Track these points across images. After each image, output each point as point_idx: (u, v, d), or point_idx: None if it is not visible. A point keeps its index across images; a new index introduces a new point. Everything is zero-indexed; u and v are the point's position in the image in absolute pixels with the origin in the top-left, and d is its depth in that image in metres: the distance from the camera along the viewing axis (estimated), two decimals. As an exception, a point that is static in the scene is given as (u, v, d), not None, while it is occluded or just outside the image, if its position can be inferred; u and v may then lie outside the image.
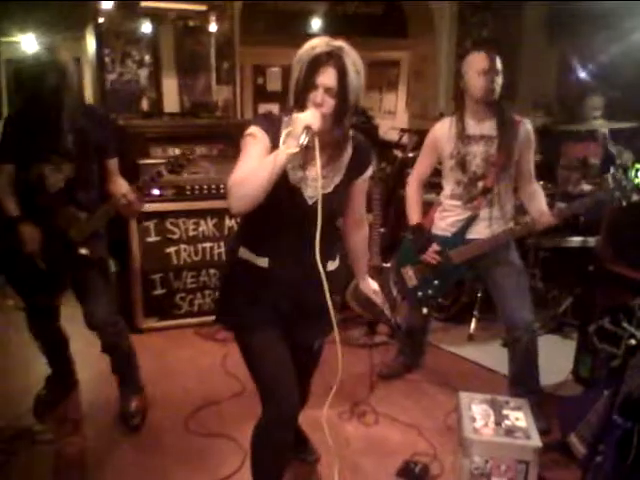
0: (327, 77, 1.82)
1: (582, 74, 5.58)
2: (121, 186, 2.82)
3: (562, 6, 5.84)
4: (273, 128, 1.92)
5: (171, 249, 4.09)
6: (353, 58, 1.85)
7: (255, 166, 1.82)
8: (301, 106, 1.85)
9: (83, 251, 2.75)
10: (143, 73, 5.01)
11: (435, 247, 3.07)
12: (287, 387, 2.01)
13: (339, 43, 1.85)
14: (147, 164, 3.98)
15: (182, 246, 4.11)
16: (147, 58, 5.04)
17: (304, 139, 1.76)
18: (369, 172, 2.10)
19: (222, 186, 4.13)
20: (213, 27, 5.04)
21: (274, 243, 1.99)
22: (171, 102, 5.07)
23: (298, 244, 1.95)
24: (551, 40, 6.19)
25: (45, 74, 2.55)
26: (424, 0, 6.06)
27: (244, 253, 2.04)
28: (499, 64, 2.83)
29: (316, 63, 1.82)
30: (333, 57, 1.82)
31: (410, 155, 4.91)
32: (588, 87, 5.13)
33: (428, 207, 3.26)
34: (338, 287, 2.24)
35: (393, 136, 6.25)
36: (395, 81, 8.36)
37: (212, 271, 4.20)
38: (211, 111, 5.09)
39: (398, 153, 5.55)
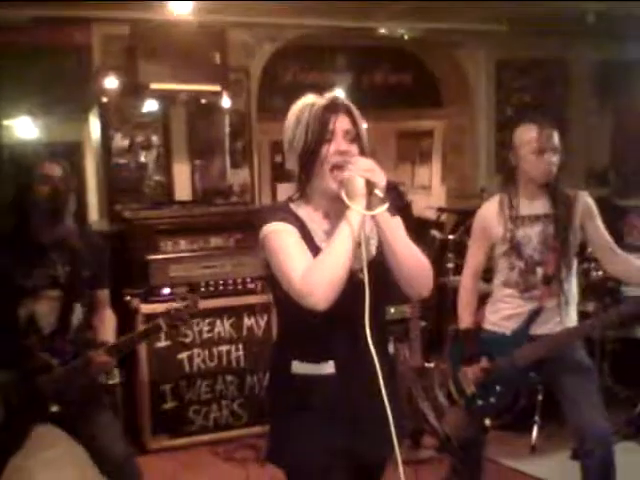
0: (342, 121, 1.86)
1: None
2: (107, 324, 2.78)
3: (611, 59, 5.91)
4: (290, 218, 1.90)
5: (183, 354, 4.08)
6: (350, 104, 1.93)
7: (326, 248, 1.79)
8: (310, 174, 1.88)
9: (54, 408, 2.61)
10: (152, 158, 5.12)
11: (484, 363, 2.99)
12: None
13: (332, 94, 1.92)
14: (156, 260, 4.05)
15: (196, 351, 4.11)
16: (156, 141, 5.15)
17: (380, 193, 1.76)
18: (398, 219, 1.95)
19: (240, 281, 4.17)
20: (227, 103, 5.15)
21: (334, 340, 1.90)
22: (182, 189, 5.14)
23: (358, 333, 1.80)
24: (602, 101, 6.27)
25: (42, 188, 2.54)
26: (457, 64, 6.20)
27: (300, 367, 1.92)
28: (557, 139, 2.83)
29: (325, 114, 1.85)
30: (337, 104, 1.88)
31: (450, 237, 4.88)
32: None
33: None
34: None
35: (430, 215, 6.27)
36: (428, 153, 8.45)
37: (229, 378, 4.18)
38: (226, 197, 5.17)
39: (436, 234, 5.51)
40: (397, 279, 1.88)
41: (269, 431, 2.05)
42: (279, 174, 7.55)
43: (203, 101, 5.05)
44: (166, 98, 4.98)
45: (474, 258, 3.11)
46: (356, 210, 1.75)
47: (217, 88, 4.80)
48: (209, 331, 4.12)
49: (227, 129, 5.27)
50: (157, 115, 5.12)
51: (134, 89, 4.71)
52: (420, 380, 3.98)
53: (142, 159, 5.08)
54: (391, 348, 2.13)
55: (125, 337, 2.74)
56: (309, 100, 1.90)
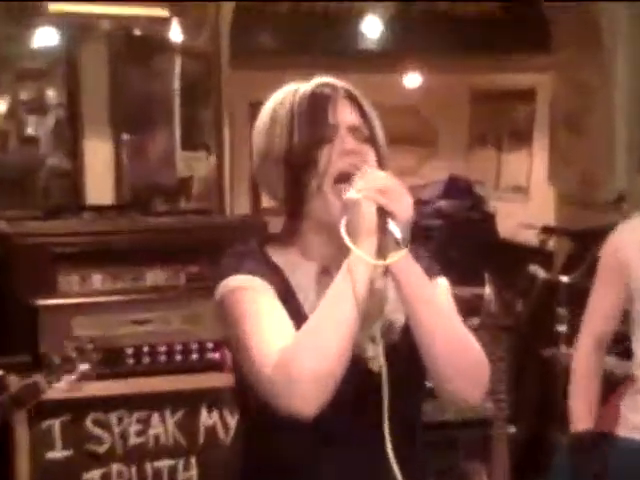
0: (345, 112, 1.97)
1: None
2: None
3: None
4: (264, 268, 1.98)
5: (94, 473, 4.07)
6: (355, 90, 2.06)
7: (314, 315, 1.82)
8: (301, 195, 1.94)
9: None
10: (47, 129, 5.20)
11: None
12: None
13: (325, 77, 2.04)
14: (52, 307, 4.08)
15: (115, 467, 4.11)
16: (54, 99, 5.24)
17: (400, 231, 1.77)
18: (444, 281, 2.10)
19: (195, 347, 4.18)
20: (178, 37, 5.24)
21: (325, 473, 1.96)
22: (99, 184, 5.22)
23: (367, 460, 1.91)
24: None
25: None
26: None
27: None
28: None
29: (318, 101, 1.96)
30: (335, 88, 2.00)
31: (563, 279, 4.90)
32: None
33: (608, 384, 3.40)
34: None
35: (528, 238, 6.31)
36: (526, 129, 8.62)
37: (173, 520, 4.24)
38: (174, 200, 5.27)
39: (539, 271, 5.51)
40: (427, 371, 1.92)
41: None
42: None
43: (137, 33, 5.16)
44: (74, 27, 5.06)
45: (597, 313, 3.31)
46: (359, 256, 1.79)
47: (163, 13, 4.90)
48: (139, 434, 4.14)
49: (178, 82, 5.37)
50: (58, 56, 5.21)
51: (20, 11, 4.80)
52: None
53: (30, 131, 5.19)
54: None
55: None
56: (290, 88, 2.01)
